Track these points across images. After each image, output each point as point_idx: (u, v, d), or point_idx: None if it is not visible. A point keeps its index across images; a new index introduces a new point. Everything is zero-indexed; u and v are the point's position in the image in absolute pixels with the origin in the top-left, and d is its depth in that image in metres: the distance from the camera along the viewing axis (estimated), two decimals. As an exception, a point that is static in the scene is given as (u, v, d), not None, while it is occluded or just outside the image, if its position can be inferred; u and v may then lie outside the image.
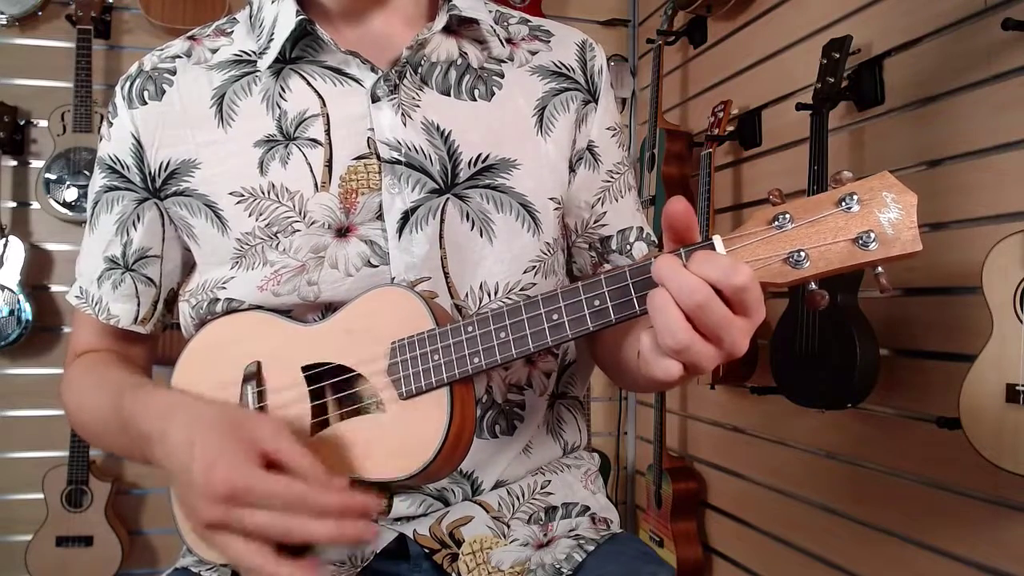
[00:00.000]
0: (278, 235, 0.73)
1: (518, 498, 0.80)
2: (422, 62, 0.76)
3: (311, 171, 0.73)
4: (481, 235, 0.76)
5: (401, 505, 0.76)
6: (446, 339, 0.65)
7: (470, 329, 0.64)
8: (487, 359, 0.63)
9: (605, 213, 0.85)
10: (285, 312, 0.75)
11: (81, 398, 0.80)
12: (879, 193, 0.52)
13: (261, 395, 0.71)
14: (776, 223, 0.53)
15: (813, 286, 0.54)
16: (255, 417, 0.62)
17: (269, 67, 0.74)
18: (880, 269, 0.53)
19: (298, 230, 0.73)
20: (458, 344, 0.64)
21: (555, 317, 0.60)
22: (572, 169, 0.82)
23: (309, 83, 0.74)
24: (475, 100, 0.77)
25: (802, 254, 0.52)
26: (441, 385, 0.65)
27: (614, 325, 0.58)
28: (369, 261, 0.73)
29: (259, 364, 0.72)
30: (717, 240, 0.54)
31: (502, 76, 0.79)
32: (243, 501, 0.56)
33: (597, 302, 0.58)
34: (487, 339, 0.63)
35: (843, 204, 0.52)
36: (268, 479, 0.56)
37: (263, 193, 0.73)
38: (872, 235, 0.51)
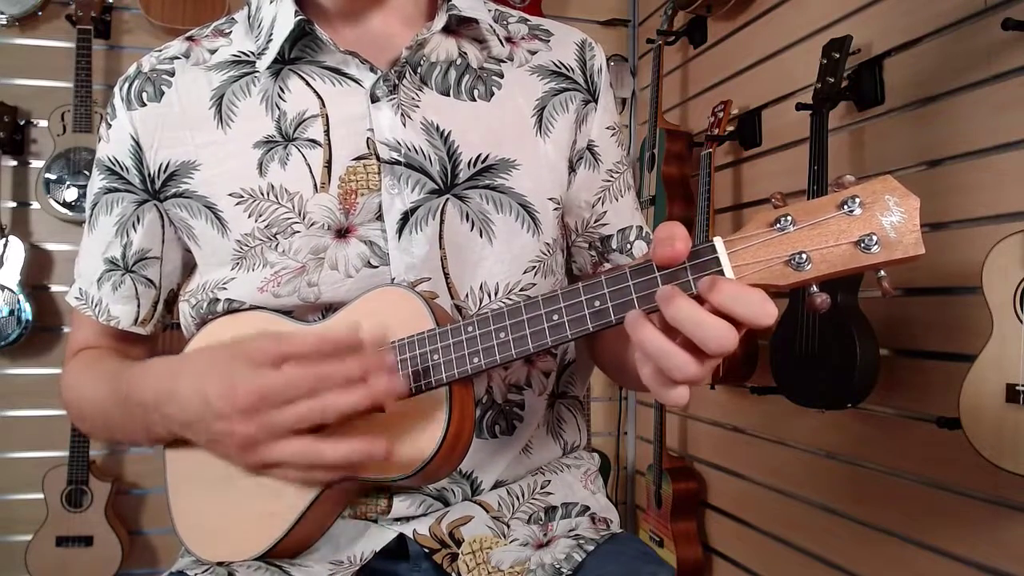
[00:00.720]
0: (278, 236, 0.73)
1: (518, 498, 0.80)
2: (421, 62, 0.76)
3: (310, 172, 0.73)
4: (481, 235, 0.76)
5: (401, 505, 0.76)
6: (446, 339, 0.65)
7: (470, 329, 0.64)
8: (486, 359, 0.63)
9: (605, 212, 0.85)
10: (286, 313, 0.75)
11: (80, 388, 0.80)
12: (881, 196, 0.52)
13: None
14: (778, 225, 0.53)
15: (814, 289, 0.54)
16: (247, 339, 0.63)
17: (268, 68, 0.74)
18: (882, 272, 0.53)
19: (298, 231, 0.73)
20: (458, 344, 0.64)
21: (555, 318, 0.60)
22: (572, 169, 0.82)
23: (308, 83, 0.74)
24: (474, 100, 0.77)
25: (804, 256, 0.52)
26: (440, 385, 0.65)
27: (614, 326, 0.58)
28: (369, 262, 0.73)
29: (259, 364, 0.72)
30: (718, 242, 0.54)
31: (501, 76, 0.79)
32: (271, 402, 0.58)
33: (597, 303, 0.58)
34: (487, 339, 0.63)
35: (845, 207, 0.52)
36: (284, 372, 0.59)
37: (262, 194, 0.73)
38: (874, 238, 0.51)
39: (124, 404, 0.70)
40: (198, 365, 0.65)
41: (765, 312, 0.50)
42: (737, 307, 0.50)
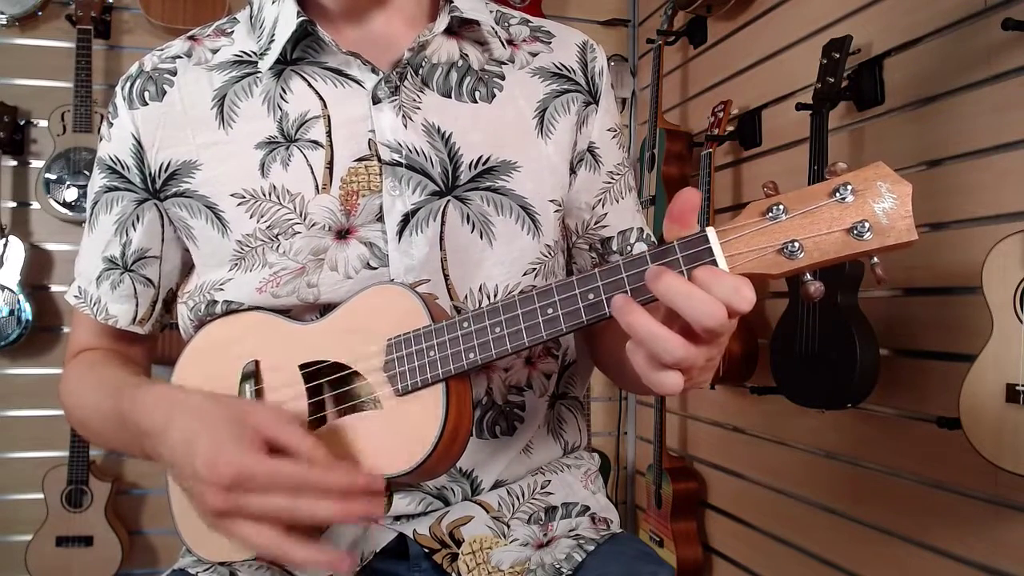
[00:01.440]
0: (278, 237, 0.73)
1: (518, 498, 0.80)
2: (423, 63, 0.76)
3: (312, 173, 0.73)
4: (481, 237, 0.76)
5: (401, 503, 0.76)
6: (441, 335, 0.65)
7: (465, 325, 0.64)
8: (482, 354, 0.63)
9: (606, 214, 0.85)
10: (284, 312, 0.75)
11: (81, 396, 0.80)
12: (873, 183, 0.52)
13: (259, 393, 0.72)
14: (770, 214, 0.53)
15: (808, 277, 0.54)
16: (254, 405, 0.63)
17: (270, 68, 0.74)
18: (876, 259, 0.53)
19: (298, 232, 0.73)
20: (453, 340, 0.64)
21: (550, 311, 0.60)
22: (573, 171, 0.82)
23: (310, 84, 0.74)
24: (476, 102, 0.77)
25: (796, 244, 0.52)
26: (437, 381, 0.65)
27: (608, 318, 0.58)
28: (368, 263, 0.73)
29: (257, 363, 0.72)
30: (711, 232, 0.54)
31: (503, 78, 0.79)
32: (248, 486, 0.57)
33: (591, 295, 0.58)
34: (482, 334, 0.63)
35: (837, 194, 0.52)
36: (271, 462, 0.57)
37: (264, 195, 0.73)
38: (867, 225, 0.51)
39: (123, 423, 0.69)
40: (193, 413, 0.62)
41: (742, 297, 0.50)
42: (718, 291, 0.50)
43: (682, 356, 0.51)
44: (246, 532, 0.58)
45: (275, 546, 0.57)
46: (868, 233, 0.51)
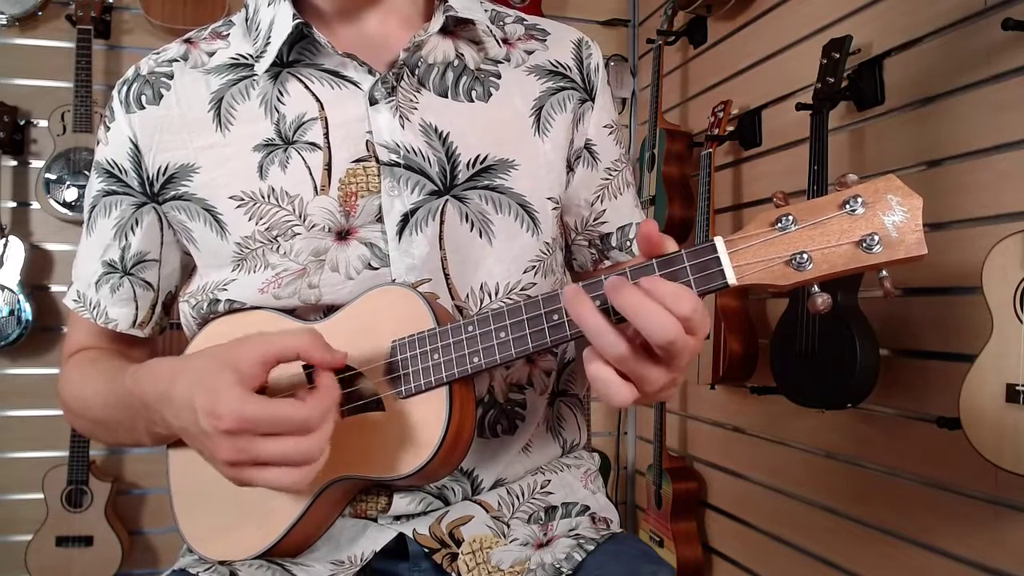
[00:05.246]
0: (278, 239, 0.73)
1: (518, 498, 0.80)
2: (419, 64, 0.76)
3: (310, 175, 0.73)
4: (480, 236, 0.76)
5: (401, 503, 0.76)
6: (446, 338, 0.65)
7: (470, 329, 0.64)
8: (487, 359, 0.63)
9: (604, 211, 0.86)
10: (288, 313, 0.75)
11: (82, 386, 0.79)
12: (884, 196, 0.51)
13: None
14: (779, 225, 0.53)
15: (816, 289, 0.54)
16: (241, 340, 0.62)
17: (266, 71, 0.74)
18: (884, 273, 0.53)
19: (298, 233, 0.73)
20: (458, 343, 0.64)
21: (555, 317, 0.60)
22: (571, 168, 0.83)
23: (307, 86, 0.74)
24: (472, 101, 0.77)
25: (805, 256, 0.52)
26: (440, 384, 0.65)
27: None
28: (369, 264, 0.74)
29: (260, 362, 0.72)
30: (718, 241, 0.54)
31: (499, 77, 0.79)
32: (253, 431, 0.57)
33: (597, 302, 0.58)
34: (487, 339, 0.63)
35: (847, 206, 0.52)
36: (270, 405, 0.58)
37: (263, 197, 0.73)
38: (876, 238, 0.51)
39: (126, 400, 0.69)
40: (193, 371, 0.63)
41: (681, 301, 0.52)
42: (667, 301, 0.52)
43: (620, 354, 0.53)
44: (265, 478, 0.58)
45: (297, 483, 0.58)
46: (877, 246, 0.51)
